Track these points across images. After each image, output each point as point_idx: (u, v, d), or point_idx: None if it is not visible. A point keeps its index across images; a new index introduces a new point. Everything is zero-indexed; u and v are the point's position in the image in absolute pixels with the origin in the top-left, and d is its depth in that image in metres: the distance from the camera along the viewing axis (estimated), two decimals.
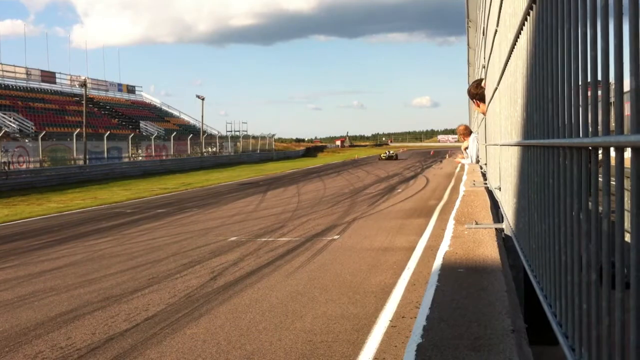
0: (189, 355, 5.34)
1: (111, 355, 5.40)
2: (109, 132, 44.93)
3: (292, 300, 7.17)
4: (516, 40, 2.14)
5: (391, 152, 60.65)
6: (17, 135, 40.36)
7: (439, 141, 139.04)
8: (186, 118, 71.22)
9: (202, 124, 61.17)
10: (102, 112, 58.80)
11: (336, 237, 11.79)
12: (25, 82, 54.87)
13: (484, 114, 6.10)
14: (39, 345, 5.76)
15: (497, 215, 4.01)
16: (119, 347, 5.60)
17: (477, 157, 9.81)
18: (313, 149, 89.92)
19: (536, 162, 1.71)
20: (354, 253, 10.08)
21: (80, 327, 6.31)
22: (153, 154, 50.22)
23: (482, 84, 5.96)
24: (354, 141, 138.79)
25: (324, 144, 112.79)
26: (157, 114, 67.69)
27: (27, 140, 38.95)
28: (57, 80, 59.13)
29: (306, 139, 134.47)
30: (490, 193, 5.01)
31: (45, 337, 6.04)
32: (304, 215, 15.40)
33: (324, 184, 27.44)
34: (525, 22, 1.85)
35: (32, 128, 42.26)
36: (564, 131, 1.26)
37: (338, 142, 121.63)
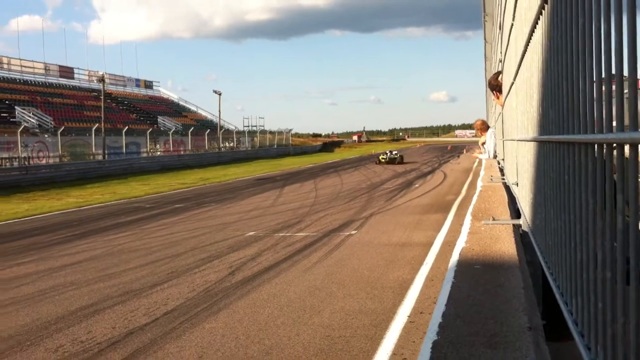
0: (208, 349, 5.38)
1: (131, 349, 5.45)
2: (127, 127, 45.22)
3: (310, 295, 7.19)
4: (531, 35, 2.12)
5: (394, 152, 41.84)
6: (37, 130, 40.80)
7: (456, 136, 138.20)
8: (203, 113, 71.51)
9: (220, 119, 61.36)
10: (120, 107, 59.20)
11: (353, 232, 11.79)
12: (43, 77, 55.44)
13: (502, 106, 6.07)
14: (60, 339, 5.84)
15: (515, 211, 3.98)
16: (138, 341, 5.66)
17: (495, 152, 9.75)
18: (330, 144, 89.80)
19: (552, 158, 1.70)
20: (371, 248, 10.08)
21: (100, 321, 6.38)
22: (171, 149, 50.47)
23: (500, 78, 5.93)
24: (370, 136, 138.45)
25: (340, 139, 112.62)
26: (175, 109, 68.02)
27: (46, 135, 39.31)
28: (75, 76, 59.62)
29: (323, 134, 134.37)
30: (507, 188, 4.98)
31: (66, 330, 6.11)
32: (321, 211, 15.41)
33: (341, 179, 27.42)
34: (540, 16, 1.83)
35: (51, 123, 42.67)
36: (579, 127, 1.25)
37: (355, 137, 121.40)
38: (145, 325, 6.17)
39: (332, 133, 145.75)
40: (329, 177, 29.34)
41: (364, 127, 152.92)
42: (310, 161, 50.04)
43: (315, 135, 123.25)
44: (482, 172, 8.73)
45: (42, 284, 8.34)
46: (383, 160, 39.69)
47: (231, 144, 62.76)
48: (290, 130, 78.85)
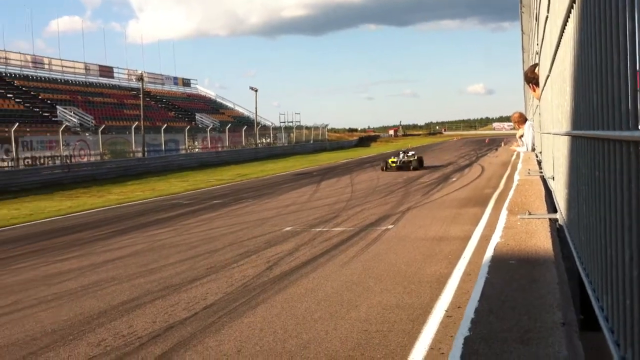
0: (247, 343, 5.45)
1: (171, 343, 5.55)
2: (166, 124, 45.85)
3: (347, 289, 7.22)
4: (564, 28, 2.10)
5: (410, 152, 29.58)
6: (78, 129, 41.64)
7: (494, 129, 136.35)
8: (240, 110, 72.02)
9: (256, 115, 61.79)
10: (159, 105, 60.01)
11: (390, 226, 11.77)
12: (84, 77, 56.54)
13: (539, 99, 6.00)
14: (102, 333, 5.97)
15: (552, 206, 3.94)
16: (179, 335, 5.76)
17: (533, 145, 9.63)
18: (366, 139, 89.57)
19: (584, 154, 1.69)
20: (408, 243, 10.05)
21: (141, 316, 6.51)
22: (209, 145, 51.04)
23: (536, 70, 5.86)
24: (407, 130, 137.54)
25: (377, 134, 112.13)
26: (212, 106, 68.67)
27: (87, 134, 40.15)
28: (115, 75, 60.63)
29: (359, 129, 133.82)
30: (545, 182, 4.93)
31: (108, 325, 6.25)
32: (358, 205, 15.42)
33: (377, 174, 27.34)
34: (572, 10, 1.82)
35: (92, 122, 43.51)
36: (609, 123, 1.24)
37: (391, 132, 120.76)
38: (185, 319, 6.28)
39: (368, 128, 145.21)
40: (365, 172, 29.28)
41: (400, 121, 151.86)
42: (346, 156, 50.01)
43: (352, 130, 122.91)
44: (519, 166, 8.63)
45: (84, 279, 8.55)
46: (393, 164, 28.08)
47: (268, 140, 63.15)
48: (327, 125, 78.96)
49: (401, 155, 28.55)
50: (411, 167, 27.88)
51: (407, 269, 8.13)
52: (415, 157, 28.54)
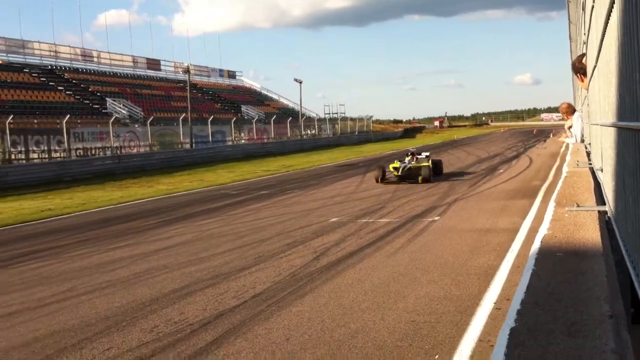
0: (295, 332, 5.55)
1: (222, 330, 5.69)
2: (212, 116, 46.56)
3: (394, 280, 7.26)
4: (608, 17, 2.10)
5: (423, 153, 20.57)
6: (127, 120, 42.57)
7: (542, 120, 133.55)
8: (285, 101, 72.40)
9: (301, 106, 62.02)
10: (205, 97, 60.79)
11: (436, 218, 11.74)
12: (132, 69, 57.74)
13: (587, 89, 5.92)
14: (154, 320, 6.15)
15: (601, 198, 3.91)
16: (228, 323, 5.89)
17: (582, 136, 9.47)
18: (411, 130, 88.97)
19: (630, 145, 1.70)
20: (455, 234, 10.02)
21: (192, 303, 6.68)
22: (255, 137, 51.53)
23: (584, 60, 5.78)
24: (452, 121, 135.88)
25: (422, 125, 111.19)
26: (257, 98, 69.20)
27: (136, 125, 41.03)
28: (162, 67, 61.75)
29: (404, 120, 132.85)
30: (594, 174, 4.87)
31: (159, 312, 6.43)
32: (403, 197, 15.39)
33: None
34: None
35: (140, 113, 44.40)
36: None
37: (436, 123, 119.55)
38: (234, 307, 6.42)
39: (413, 119, 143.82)
40: None
41: (446, 113, 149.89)
42: (391, 147, 49.77)
43: (396, 122, 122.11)
44: (568, 157, 8.50)
45: (136, 267, 8.80)
46: (395, 172, 19.07)
47: (313, 132, 63.33)
48: (371, 117, 78.72)
49: (406, 162, 19.24)
50: (419, 178, 18.32)
51: (455, 261, 8.12)
52: (429, 162, 19.33)
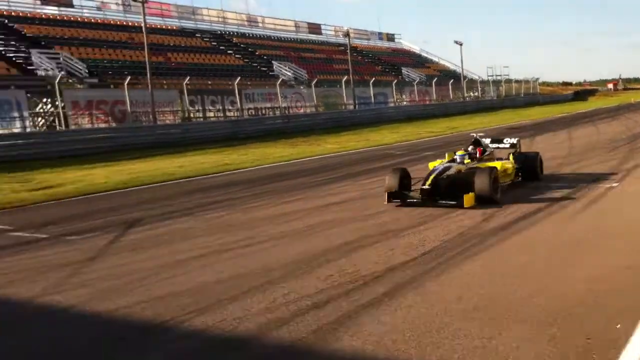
0: (467, 291, 5.42)
1: (393, 283, 5.74)
2: (374, 78, 46.78)
3: (569, 246, 6.95)
4: None
5: (510, 141, 12.18)
6: (293, 82, 43.97)
7: None
8: (445, 64, 70.73)
9: (462, 68, 60.42)
10: (366, 60, 60.99)
11: (615, 184, 11.00)
12: (294, 34, 59.24)
13: None
14: (328, 269, 6.34)
15: None
16: (399, 277, 5.94)
17: None
18: (582, 93, 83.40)
19: None
20: (637, 201, 9.37)
21: (363, 257, 6.81)
22: (416, 99, 51.17)
23: None
24: (628, 84, 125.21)
25: (594, 87, 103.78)
26: (417, 61, 68.21)
27: (301, 87, 42.40)
28: (323, 32, 62.78)
29: (574, 83, 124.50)
30: None
31: (333, 262, 6.62)
32: (577, 162, 14.59)
33: (597, 129, 25.52)
34: None
35: (305, 76, 45.66)
36: None
37: (610, 85, 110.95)
38: (404, 263, 6.46)
39: (584, 81, 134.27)
40: (583, 127, 27.50)
41: (620, 75, 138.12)
42: (561, 110, 47.16)
43: (565, 84, 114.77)
44: None
45: (309, 220, 9.16)
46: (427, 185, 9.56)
47: (475, 94, 61.62)
48: (538, 79, 74.90)
49: (458, 155, 10.83)
50: (466, 198, 9.28)
51: (638, 228, 7.60)
52: (511, 159, 11.35)
